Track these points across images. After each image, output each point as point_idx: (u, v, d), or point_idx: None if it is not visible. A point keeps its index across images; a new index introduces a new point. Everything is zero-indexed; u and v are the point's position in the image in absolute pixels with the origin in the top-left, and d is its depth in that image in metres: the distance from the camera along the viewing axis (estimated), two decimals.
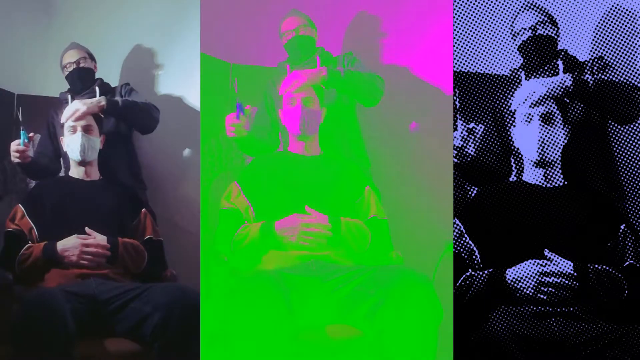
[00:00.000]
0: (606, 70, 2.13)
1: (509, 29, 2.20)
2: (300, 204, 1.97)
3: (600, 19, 2.18)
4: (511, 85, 2.15)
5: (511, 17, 2.20)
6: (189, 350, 1.74)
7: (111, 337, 1.81)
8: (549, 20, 2.16)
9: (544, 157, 1.85)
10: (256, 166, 2.17)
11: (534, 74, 2.15)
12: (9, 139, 2.38)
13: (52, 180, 2.38)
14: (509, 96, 2.03)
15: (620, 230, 1.80)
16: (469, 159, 2.13)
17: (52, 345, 1.64)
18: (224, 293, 1.77)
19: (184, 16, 2.73)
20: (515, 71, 2.19)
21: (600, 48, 2.16)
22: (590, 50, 2.22)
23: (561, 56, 2.16)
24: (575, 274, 1.65)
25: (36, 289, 1.86)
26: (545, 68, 2.15)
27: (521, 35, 2.17)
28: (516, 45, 2.19)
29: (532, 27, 2.14)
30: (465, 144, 2.15)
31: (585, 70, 2.12)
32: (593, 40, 2.20)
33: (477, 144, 2.16)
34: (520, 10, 2.19)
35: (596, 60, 2.15)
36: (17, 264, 1.95)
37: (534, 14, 2.16)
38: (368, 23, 2.87)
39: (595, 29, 2.18)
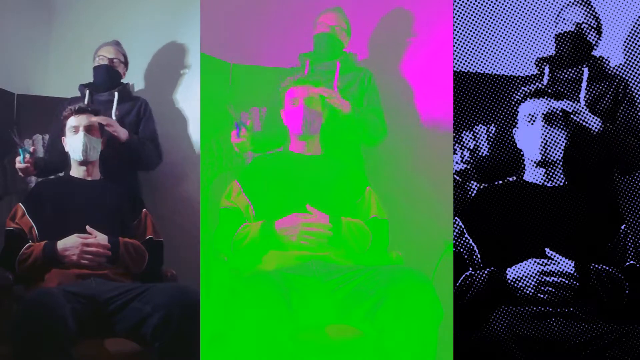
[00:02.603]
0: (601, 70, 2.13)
1: (556, 12, 2.19)
2: (300, 203, 1.97)
3: (634, 24, 2.17)
4: (530, 80, 2.14)
5: (561, 5, 2.19)
6: (189, 350, 1.74)
7: (111, 337, 1.81)
8: (595, 28, 2.15)
9: (546, 158, 1.85)
10: (257, 165, 2.17)
11: (557, 71, 2.13)
12: (9, 139, 2.39)
13: (53, 179, 2.38)
14: (515, 95, 2.01)
15: (621, 230, 1.80)
16: (476, 175, 2.12)
17: (52, 345, 1.64)
18: (224, 293, 1.77)
19: (184, 16, 2.74)
20: (541, 62, 2.17)
21: (632, 52, 2.16)
22: (623, 55, 2.22)
23: (590, 63, 2.14)
24: (575, 273, 1.65)
25: (36, 289, 1.85)
26: (570, 70, 2.13)
27: (564, 25, 2.16)
28: (556, 31, 2.17)
29: (578, 25, 2.14)
30: (473, 153, 2.14)
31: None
32: (625, 45, 2.20)
33: (485, 152, 2.16)
34: (574, 2, 2.18)
35: (595, 59, 2.15)
36: (17, 264, 1.95)
37: (585, 14, 2.15)
38: (396, 25, 2.85)
39: (628, 33, 2.18)
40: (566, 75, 2.13)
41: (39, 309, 1.66)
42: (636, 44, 2.14)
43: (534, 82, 2.13)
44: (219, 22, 2.81)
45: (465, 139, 2.19)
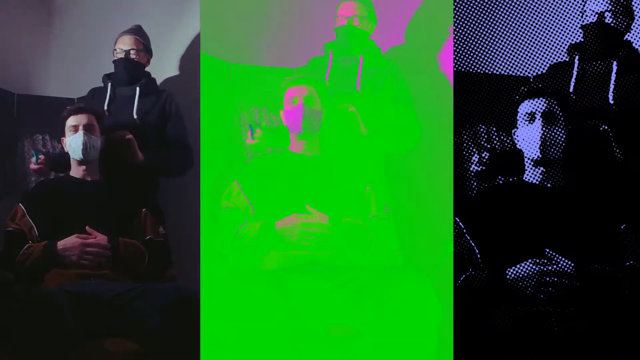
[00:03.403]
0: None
1: (580, 5, 2.19)
2: (300, 203, 1.97)
3: None
4: (566, 68, 2.13)
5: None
6: (189, 350, 1.74)
7: (111, 337, 1.81)
8: (621, 11, 2.14)
9: (545, 156, 1.85)
10: (257, 165, 2.17)
11: (587, 61, 2.12)
12: (9, 139, 2.39)
13: (53, 179, 2.38)
14: (514, 95, 2.00)
15: (621, 230, 1.80)
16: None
17: (52, 345, 1.64)
18: (224, 293, 1.77)
19: (183, 15, 2.73)
20: (572, 50, 2.16)
21: None
22: None
23: (620, 54, 2.11)
24: (575, 273, 1.65)
25: (36, 289, 1.86)
26: (599, 63, 2.11)
27: (588, 17, 2.16)
28: (582, 23, 2.17)
29: (600, 14, 2.13)
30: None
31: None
32: None
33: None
34: None
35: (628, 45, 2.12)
36: (17, 264, 1.95)
37: (609, 1, 2.15)
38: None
39: None
40: (595, 69, 2.11)
41: (39, 309, 1.66)
42: None
43: (535, 81, 2.13)
44: (219, 22, 2.81)
45: (481, 139, 2.16)
